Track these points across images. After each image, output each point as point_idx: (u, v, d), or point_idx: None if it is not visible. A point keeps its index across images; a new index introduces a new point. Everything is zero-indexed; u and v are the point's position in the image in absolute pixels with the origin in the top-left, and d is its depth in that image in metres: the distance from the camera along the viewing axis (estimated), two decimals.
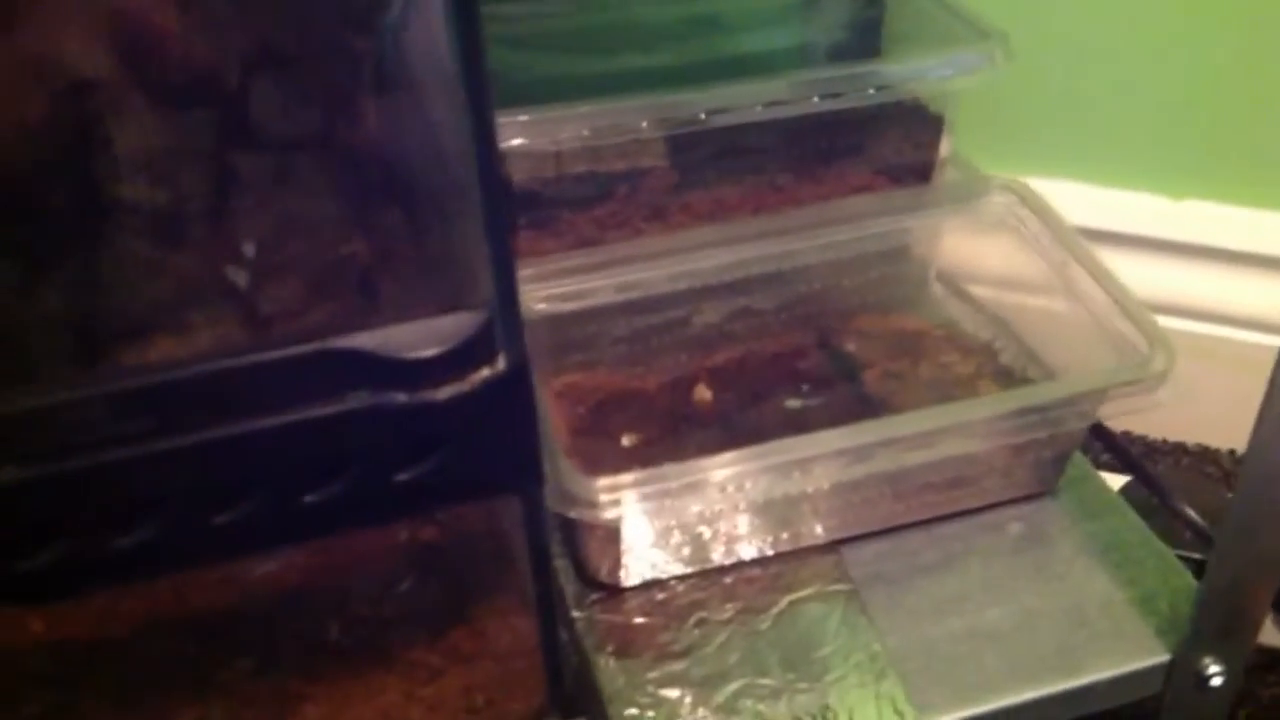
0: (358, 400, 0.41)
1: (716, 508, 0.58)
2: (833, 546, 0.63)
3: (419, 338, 0.41)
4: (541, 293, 0.64)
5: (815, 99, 0.65)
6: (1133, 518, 0.65)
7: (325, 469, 0.42)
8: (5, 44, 0.40)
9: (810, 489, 0.59)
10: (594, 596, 0.61)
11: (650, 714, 0.55)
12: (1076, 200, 0.89)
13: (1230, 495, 0.54)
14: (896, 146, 0.72)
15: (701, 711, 0.55)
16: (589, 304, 0.65)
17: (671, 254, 0.66)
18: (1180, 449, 0.94)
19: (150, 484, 0.41)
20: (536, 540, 0.47)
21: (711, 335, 0.71)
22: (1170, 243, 0.90)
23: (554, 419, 0.66)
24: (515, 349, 0.42)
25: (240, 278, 0.46)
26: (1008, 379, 0.70)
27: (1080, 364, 0.66)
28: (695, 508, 0.57)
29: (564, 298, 0.65)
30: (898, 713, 0.55)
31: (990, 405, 0.60)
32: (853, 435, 0.57)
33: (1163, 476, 0.72)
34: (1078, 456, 0.67)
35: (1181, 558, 0.63)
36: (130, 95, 0.43)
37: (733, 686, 0.56)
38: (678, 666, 0.57)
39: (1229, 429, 0.53)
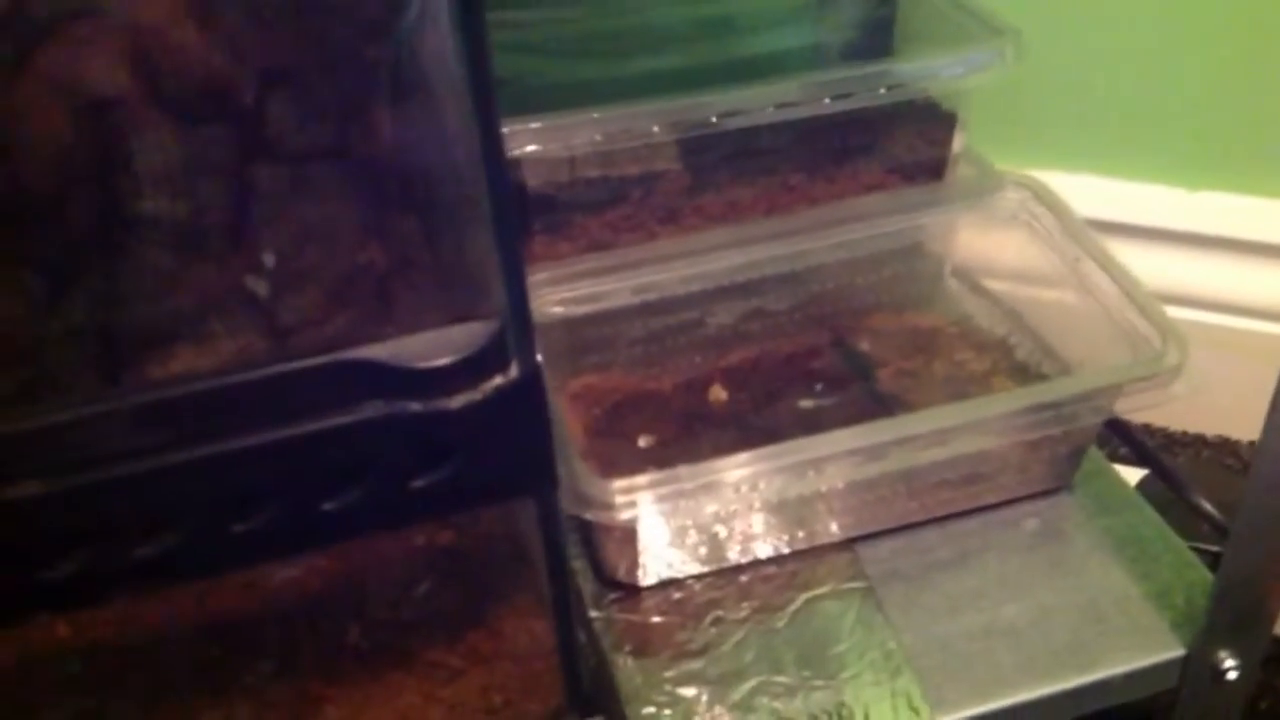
0: (373, 410, 0.42)
1: (732, 507, 0.59)
2: (848, 544, 0.63)
3: (432, 347, 0.42)
4: (557, 296, 0.65)
5: (827, 100, 0.66)
6: (1148, 512, 0.65)
7: (342, 477, 0.42)
8: (28, 64, 0.40)
9: (825, 488, 0.60)
10: (612, 596, 0.61)
11: (667, 712, 0.56)
12: (1092, 194, 0.90)
13: None
14: (909, 144, 0.72)
15: (718, 709, 0.56)
16: (604, 306, 0.66)
17: (685, 256, 0.67)
18: (1200, 441, 0.94)
19: (170, 495, 0.42)
20: (552, 542, 0.48)
21: (726, 336, 0.72)
22: (1188, 234, 0.90)
23: (570, 421, 0.67)
24: (527, 356, 0.43)
25: (258, 288, 0.46)
26: (1022, 375, 0.70)
27: (1095, 359, 0.66)
28: (711, 508, 0.58)
29: (579, 301, 0.66)
30: (913, 709, 0.56)
31: (1004, 402, 0.60)
32: (867, 434, 0.57)
33: (1182, 469, 0.72)
34: (1093, 451, 0.67)
35: (1200, 550, 0.64)
36: (150, 111, 0.44)
37: (749, 684, 0.57)
38: (695, 665, 0.58)
39: (1248, 420, 0.53)
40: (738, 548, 0.62)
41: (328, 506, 0.43)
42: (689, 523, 0.59)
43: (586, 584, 0.62)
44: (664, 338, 0.70)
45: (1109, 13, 0.85)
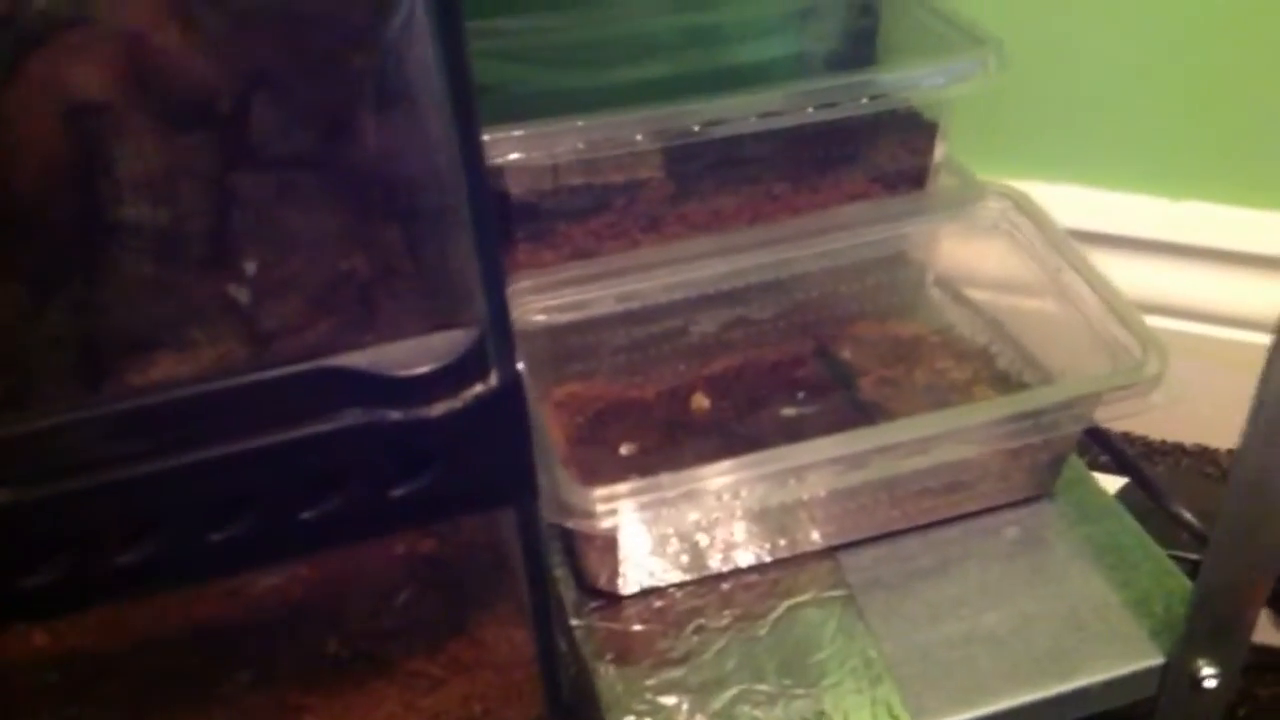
0: (352, 418, 0.41)
1: (714, 516, 0.59)
2: (830, 552, 0.64)
3: (412, 355, 0.42)
4: (540, 304, 0.65)
5: (810, 109, 0.66)
6: (1128, 520, 0.65)
7: (321, 486, 0.42)
8: (14, 71, 0.40)
9: (807, 496, 0.60)
10: (593, 605, 0.61)
11: None
12: (1075, 204, 0.90)
13: None
14: (891, 154, 0.73)
15: (699, 718, 0.56)
16: (587, 315, 0.66)
17: (669, 264, 0.67)
18: (1179, 449, 0.94)
19: (148, 503, 0.42)
20: (532, 551, 0.48)
21: (709, 344, 0.72)
22: (1170, 244, 0.90)
23: (552, 429, 0.67)
24: (508, 364, 0.43)
25: (240, 295, 0.46)
26: (1003, 384, 0.70)
27: (1076, 368, 0.67)
28: (693, 516, 0.58)
29: (562, 309, 0.66)
30: (893, 717, 0.56)
31: (985, 411, 0.61)
32: (848, 443, 0.58)
33: (1161, 477, 0.72)
34: (1074, 460, 0.68)
35: (1179, 559, 0.64)
36: (135, 118, 0.44)
37: (730, 693, 0.57)
38: (676, 673, 0.58)
39: (1228, 429, 0.53)
40: (719, 556, 0.62)
41: (306, 515, 0.43)
42: (671, 531, 0.59)
43: (568, 592, 0.62)
44: (647, 346, 0.70)
45: (1091, 22, 0.85)
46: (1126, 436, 0.94)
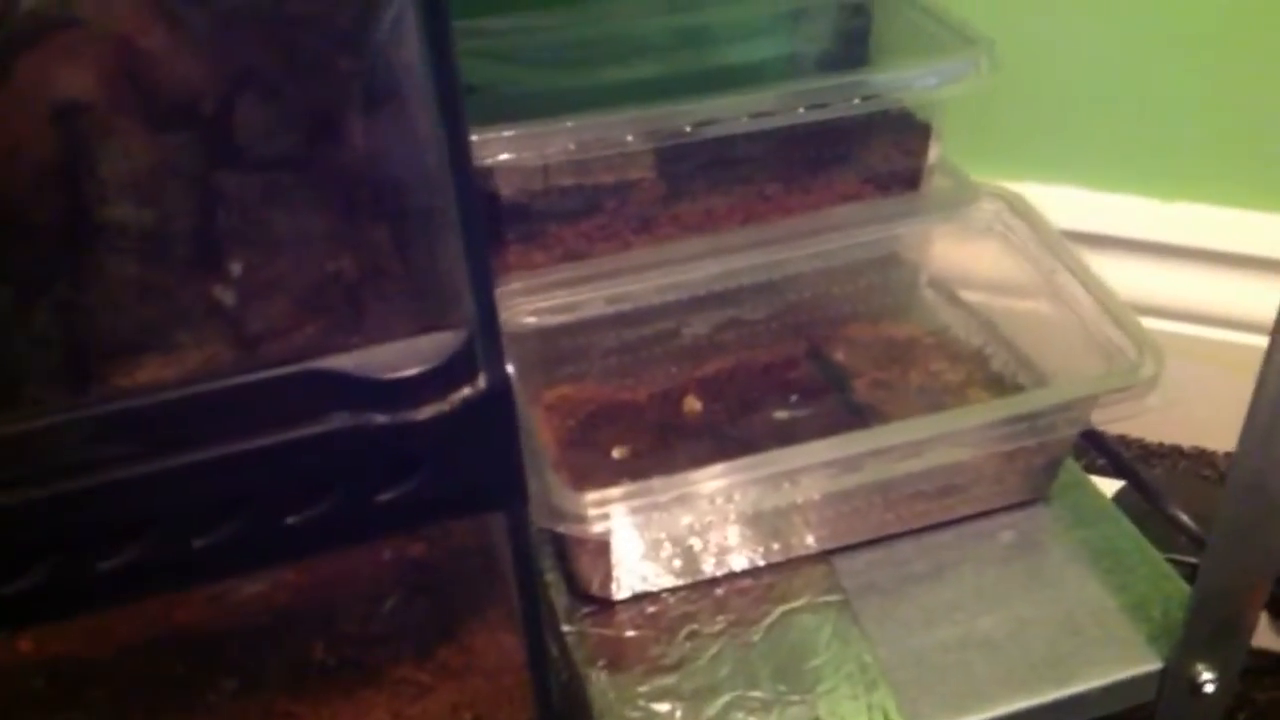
0: (338, 421, 0.41)
1: (707, 520, 0.58)
2: (824, 556, 0.63)
3: (399, 358, 0.41)
4: (531, 306, 0.65)
5: (802, 110, 0.65)
6: (1125, 524, 0.65)
7: (307, 490, 0.42)
8: (2, 73, 0.40)
9: (800, 500, 0.59)
10: (585, 610, 0.61)
11: None
12: (1068, 204, 0.90)
13: None
14: (884, 155, 0.72)
15: None
16: (578, 317, 0.65)
17: (660, 266, 0.67)
18: (1177, 452, 0.94)
19: (133, 507, 0.41)
20: (521, 557, 0.47)
21: (701, 346, 0.71)
22: (1163, 245, 0.90)
23: (543, 432, 0.66)
24: (496, 367, 0.42)
25: (226, 296, 0.46)
26: (998, 386, 0.69)
27: (1071, 370, 0.66)
28: (685, 520, 0.57)
29: (553, 311, 0.65)
30: None
31: (979, 414, 0.60)
32: (841, 446, 0.57)
33: (1158, 480, 0.72)
34: (1070, 463, 0.67)
35: (1177, 562, 0.63)
36: (121, 119, 0.43)
37: (723, 699, 0.56)
38: (669, 680, 0.57)
39: (1225, 431, 0.53)
40: (713, 560, 0.61)
41: (292, 520, 0.42)
42: (663, 535, 0.59)
43: (560, 597, 0.61)
44: (639, 348, 0.70)
45: (1084, 23, 0.85)
46: (1123, 439, 0.93)
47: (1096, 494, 0.67)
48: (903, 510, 0.63)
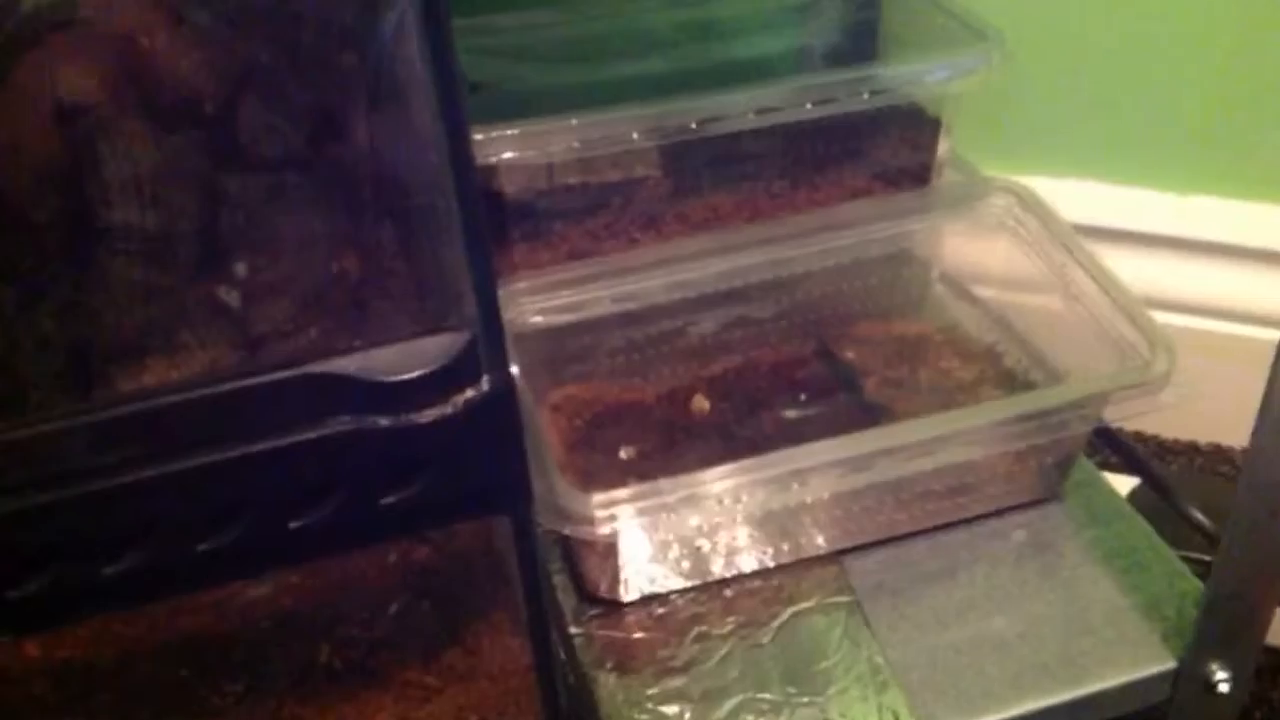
0: (341, 425, 0.41)
1: (715, 520, 0.58)
2: (834, 557, 0.62)
3: (401, 360, 0.41)
4: (536, 305, 0.64)
5: (809, 105, 0.65)
6: (1139, 522, 0.64)
7: (310, 494, 0.41)
8: (6, 74, 0.40)
9: (810, 500, 0.59)
10: (593, 612, 0.60)
11: None
12: (1083, 198, 0.89)
13: None
14: (894, 150, 0.72)
15: None
16: (585, 316, 0.65)
17: (667, 264, 0.66)
18: (1194, 448, 0.93)
19: (137, 512, 0.41)
20: (527, 559, 0.47)
21: (709, 345, 0.71)
22: (1180, 239, 0.89)
23: (550, 433, 0.66)
24: (499, 369, 0.42)
25: (230, 298, 0.45)
26: (1010, 383, 0.69)
27: (1083, 366, 0.65)
28: (694, 521, 0.57)
29: (559, 310, 0.65)
30: None
31: (989, 412, 0.59)
32: (852, 445, 0.57)
33: (1175, 477, 0.71)
34: (1083, 461, 0.67)
35: (1192, 560, 0.63)
36: (122, 119, 0.43)
37: (733, 702, 0.56)
38: (677, 682, 0.57)
39: (1242, 427, 0.52)
40: (721, 561, 0.61)
41: (296, 523, 0.42)
42: (671, 536, 0.58)
43: (568, 599, 0.61)
44: (646, 347, 0.69)
45: (1095, 15, 0.84)
46: (1139, 435, 0.93)
47: (1110, 492, 0.66)
48: (913, 510, 0.62)
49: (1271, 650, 0.74)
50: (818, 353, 0.72)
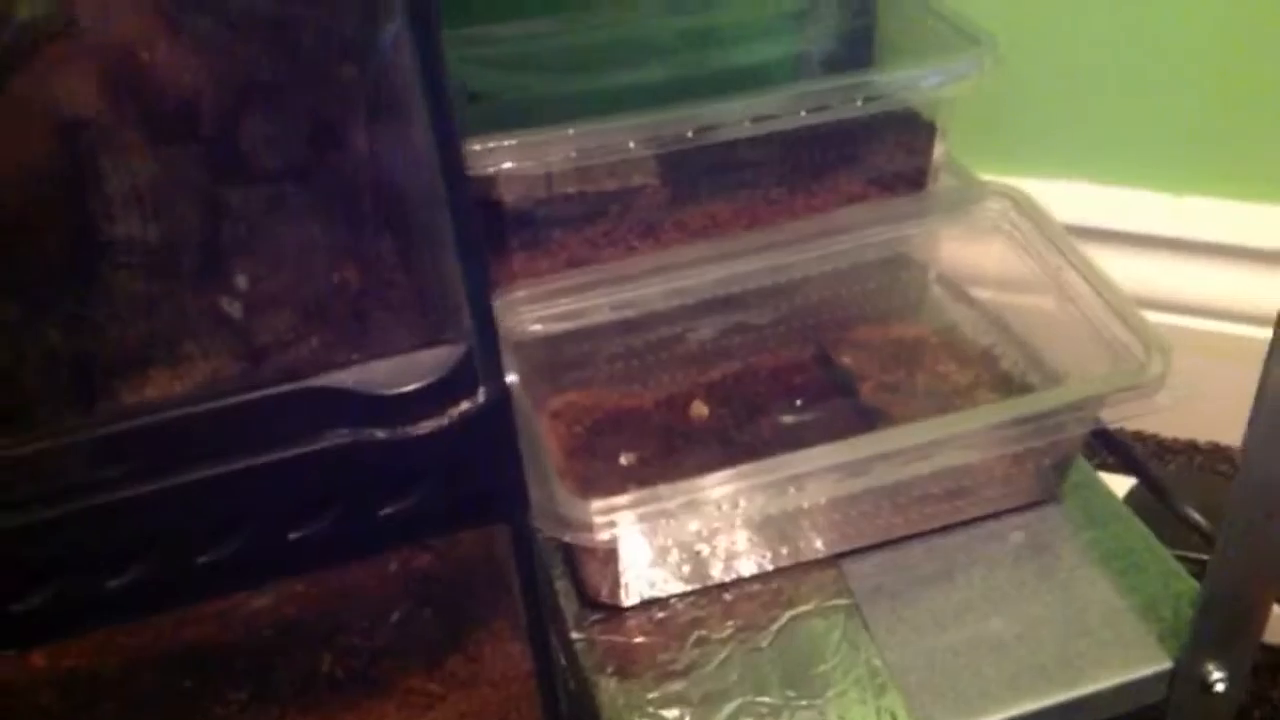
0: (339, 438, 0.41)
1: (714, 525, 0.58)
2: (833, 560, 0.63)
3: (398, 373, 0.41)
4: (536, 313, 0.65)
5: (804, 113, 0.65)
6: (1135, 523, 0.65)
7: (309, 506, 0.42)
8: (4, 87, 0.40)
9: (808, 504, 0.59)
10: (594, 617, 0.61)
11: None
12: (1078, 199, 0.89)
13: None
14: (890, 155, 0.72)
15: None
16: (584, 323, 0.65)
17: (665, 271, 0.66)
18: (1192, 447, 0.93)
19: (139, 525, 0.42)
20: (525, 566, 0.48)
21: (707, 351, 0.71)
22: (1176, 240, 0.89)
23: (549, 440, 0.66)
24: (495, 380, 0.43)
25: (232, 310, 0.46)
26: (1006, 386, 0.69)
27: (1080, 368, 0.66)
28: (693, 526, 0.57)
29: (558, 318, 0.65)
30: None
31: (986, 415, 0.60)
32: (849, 449, 0.57)
33: (1172, 477, 0.71)
34: (1080, 462, 0.67)
35: (1190, 560, 0.63)
36: (122, 132, 0.43)
37: (732, 705, 0.56)
38: (678, 686, 0.57)
39: (1239, 426, 0.53)
40: (721, 566, 0.61)
41: (295, 535, 0.42)
42: (671, 541, 0.59)
43: (569, 605, 0.61)
44: (645, 354, 0.70)
45: (1087, 18, 0.84)
46: (1139, 435, 0.93)
47: (1107, 493, 0.67)
48: (911, 513, 0.63)
49: (1270, 649, 0.75)
50: (815, 358, 0.72)
